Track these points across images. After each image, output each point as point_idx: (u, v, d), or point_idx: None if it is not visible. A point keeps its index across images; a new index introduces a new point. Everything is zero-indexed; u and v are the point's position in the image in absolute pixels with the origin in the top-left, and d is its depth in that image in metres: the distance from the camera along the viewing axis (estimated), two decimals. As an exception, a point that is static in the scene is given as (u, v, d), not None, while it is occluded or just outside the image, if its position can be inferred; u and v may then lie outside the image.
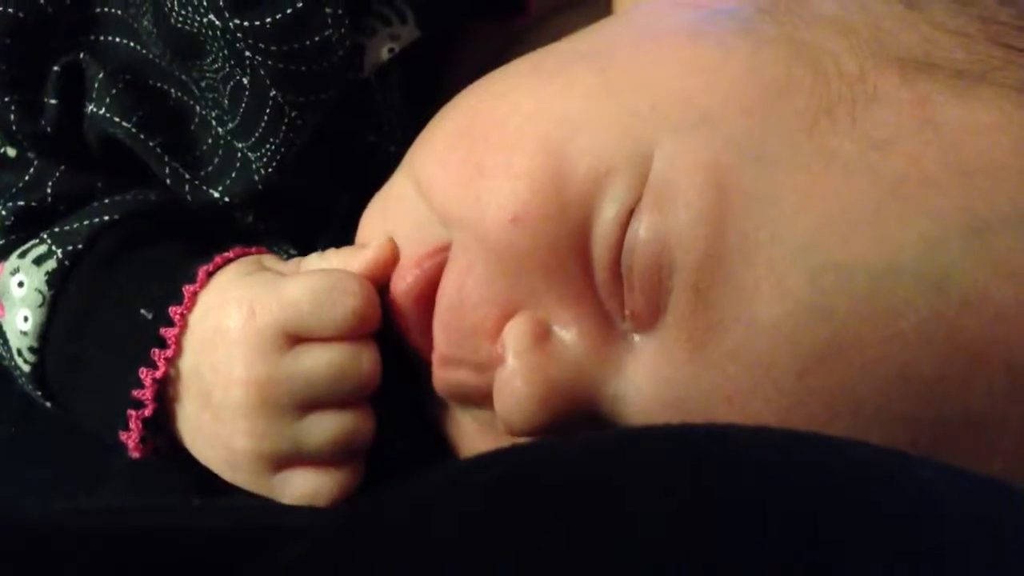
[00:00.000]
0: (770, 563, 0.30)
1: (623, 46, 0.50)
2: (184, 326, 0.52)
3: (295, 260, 0.55)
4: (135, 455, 0.53)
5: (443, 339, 0.49)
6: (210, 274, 0.53)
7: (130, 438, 0.52)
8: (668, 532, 0.32)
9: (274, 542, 0.37)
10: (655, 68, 0.47)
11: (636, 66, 0.48)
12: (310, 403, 0.50)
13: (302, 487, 0.51)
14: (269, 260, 0.55)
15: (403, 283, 0.50)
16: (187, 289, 0.52)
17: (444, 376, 0.49)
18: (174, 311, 0.52)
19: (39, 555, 0.35)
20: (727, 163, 0.43)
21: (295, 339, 0.50)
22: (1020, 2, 0.45)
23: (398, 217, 0.52)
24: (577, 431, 0.45)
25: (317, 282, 0.50)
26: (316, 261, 0.54)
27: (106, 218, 0.55)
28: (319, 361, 0.50)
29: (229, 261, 0.54)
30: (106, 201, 0.56)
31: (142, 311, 0.52)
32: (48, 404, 0.56)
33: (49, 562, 0.35)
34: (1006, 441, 0.41)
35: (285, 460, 0.51)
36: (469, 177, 0.48)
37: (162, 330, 0.52)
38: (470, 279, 0.48)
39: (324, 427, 0.50)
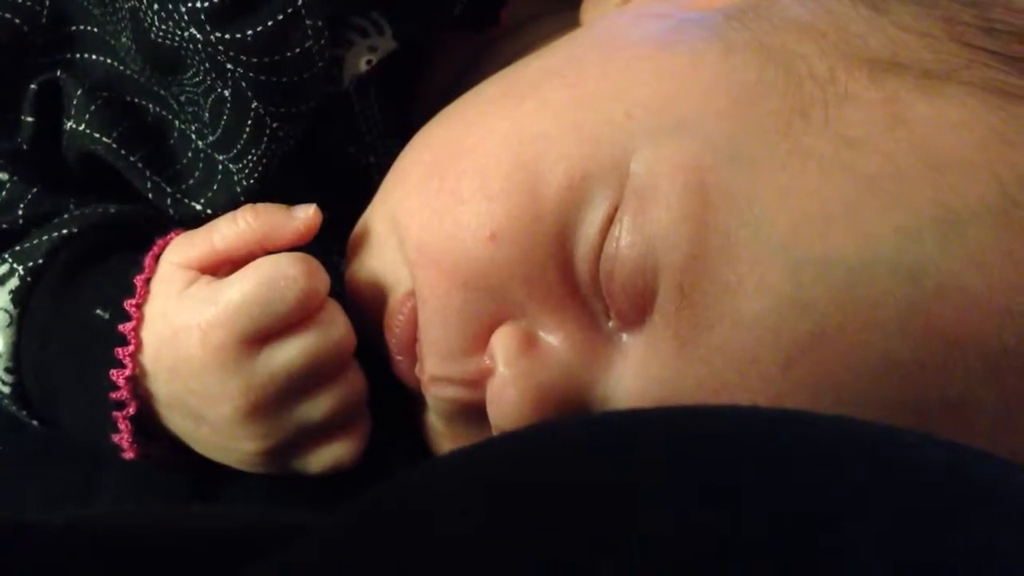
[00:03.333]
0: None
1: (592, 58, 0.51)
2: (141, 318, 0.51)
3: (207, 230, 0.53)
4: (130, 456, 0.53)
5: (432, 363, 0.49)
6: (156, 258, 0.53)
7: (122, 439, 0.52)
8: (671, 525, 0.33)
9: (279, 541, 0.37)
10: (626, 77, 0.48)
11: (607, 76, 0.49)
12: (298, 391, 0.51)
13: (324, 461, 0.52)
14: (180, 250, 0.53)
15: (394, 328, 0.51)
16: (138, 280, 0.52)
17: (436, 393, 0.50)
18: (128, 304, 0.51)
19: (47, 556, 0.36)
20: (706, 165, 0.44)
21: (257, 340, 0.50)
22: (981, 3, 0.47)
23: (378, 257, 0.52)
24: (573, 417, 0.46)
25: (255, 281, 0.49)
26: (227, 226, 0.52)
27: (65, 232, 0.55)
28: (291, 353, 0.50)
29: (170, 242, 0.54)
30: (65, 216, 0.56)
31: (98, 311, 0.52)
32: (35, 423, 0.56)
33: (57, 563, 0.35)
34: (983, 423, 0.43)
35: (296, 443, 0.52)
36: (446, 206, 0.49)
37: (120, 326, 0.51)
38: (446, 310, 0.48)
39: (320, 406, 0.51)
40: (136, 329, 0.51)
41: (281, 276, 0.49)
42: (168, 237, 0.54)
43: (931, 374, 0.42)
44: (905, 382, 0.42)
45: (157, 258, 0.53)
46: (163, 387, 0.52)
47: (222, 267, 0.52)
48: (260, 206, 0.53)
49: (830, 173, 0.43)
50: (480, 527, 0.34)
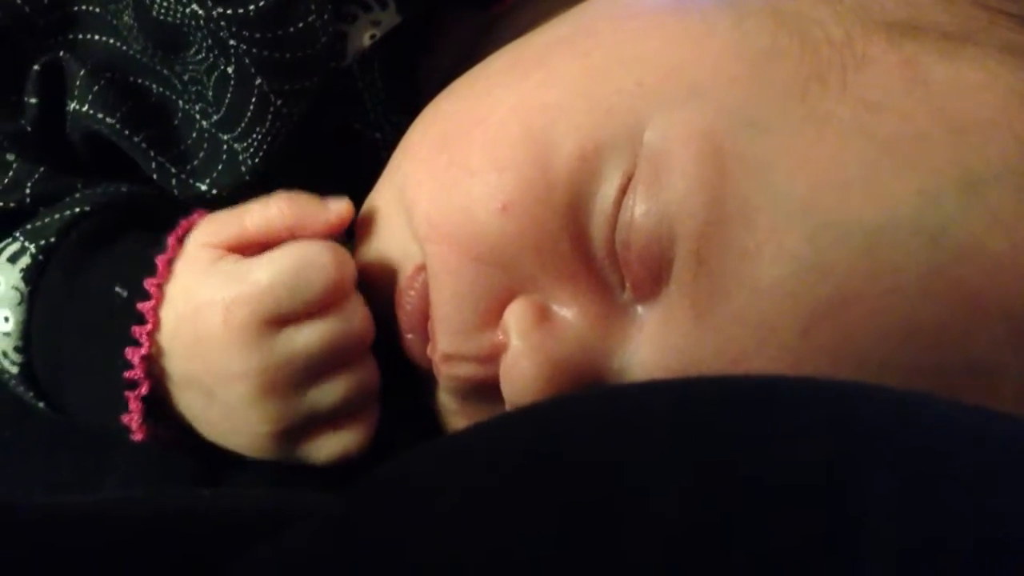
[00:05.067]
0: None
1: (603, 27, 0.50)
2: (161, 298, 0.51)
3: (238, 213, 0.53)
4: (138, 437, 0.52)
5: (445, 341, 0.49)
6: (180, 239, 0.52)
7: (132, 419, 0.51)
8: (683, 507, 0.32)
9: (286, 522, 0.37)
10: (638, 45, 0.48)
11: (618, 45, 0.48)
12: (313, 375, 0.50)
13: (331, 449, 0.52)
14: (209, 231, 0.52)
15: (405, 306, 0.51)
16: (160, 259, 0.51)
17: (449, 372, 0.49)
18: (149, 283, 0.51)
19: (52, 537, 0.35)
20: (721, 131, 0.44)
21: (279, 322, 0.49)
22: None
23: (387, 234, 0.52)
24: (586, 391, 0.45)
25: (285, 264, 0.49)
26: (259, 211, 0.52)
27: (77, 210, 0.55)
28: (311, 337, 0.49)
29: (194, 224, 0.53)
30: (76, 195, 0.56)
31: (117, 289, 0.52)
32: (41, 405, 0.56)
33: (62, 545, 0.35)
34: (1007, 388, 0.42)
35: (305, 430, 0.51)
36: (456, 178, 0.48)
37: (139, 305, 0.51)
38: (458, 285, 0.48)
39: (333, 391, 0.50)
40: (155, 308, 0.51)
41: (311, 263, 0.49)
42: (192, 218, 0.54)
43: (954, 338, 0.42)
44: (928, 346, 0.42)
45: (180, 239, 0.53)
46: (179, 365, 0.51)
47: (249, 249, 0.52)
48: (295, 195, 0.52)
49: (849, 137, 0.43)
50: (487, 505, 0.34)
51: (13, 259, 0.54)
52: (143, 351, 0.50)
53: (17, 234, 0.55)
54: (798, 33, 0.46)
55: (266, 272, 0.49)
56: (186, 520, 0.38)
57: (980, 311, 0.42)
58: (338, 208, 0.52)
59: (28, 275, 0.53)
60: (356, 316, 0.50)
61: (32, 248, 0.54)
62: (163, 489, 0.53)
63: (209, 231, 0.52)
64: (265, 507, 0.41)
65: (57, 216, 0.54)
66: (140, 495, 0.45)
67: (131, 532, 0.36)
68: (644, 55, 0.47)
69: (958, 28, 0.45)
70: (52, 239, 0.54)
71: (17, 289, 0.53)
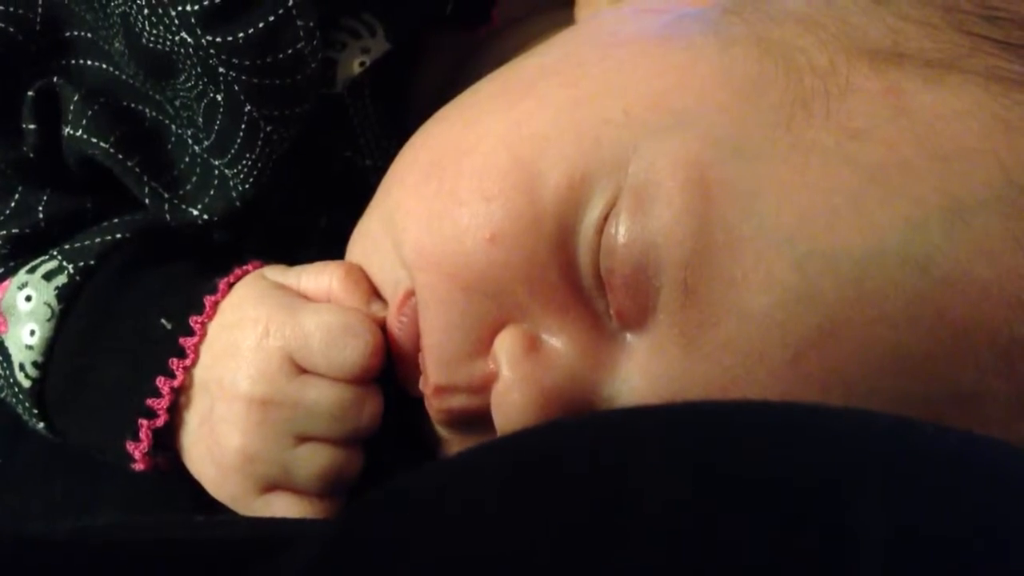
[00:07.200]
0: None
1: (590, 56, 0.50)
2: (203, 335, 0.53)
3: (297, 270, 0.55)
4: (139, 467, 0.53)
5: (435, 371, 0.49)
6: (230, 285, 0.54)
7: (137, 448, 0.52)
8: (679, 518, 0.32)
9: (281, 548, 0.37)
10: (624, 74, 0.48)
11: (605, 74, 0.48)
12: (306, 434, 0.51)
13: (283, 513, 0.52)
14: (272, 271, 0.55)
15: (395, 332, 0.51)
16: (208, 300, 0.53)
17: (440, 405, 0.49)
18: (195, 320, 0.53)
19: (52, 568, 0.36)
20: (707, 160, 0.44)
21: (302, 369, 0.51)
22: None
23: (377, 262, 0.53)
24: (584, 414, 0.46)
25: (332, 320, 0.51)
26: (314, 274, 0.54)
27: (118, 236, 0.56)
28: (323, 396, 0.50)
29: (247, 274, 0.55)
30: (115, 220, 0.57)
31: (162, 321, 0.53)
32: (40, 424, 0.56)
33: (62, 574, 0.35)
34: (995, 414, 0.43)
35: (271, 484, 0.52)
36: (445, 207, 0.48)
37: (181, 339, 0.52)
38: (448, 314, 0.48)
39: (315, 460, 0.51)
40: (197, 345, 0.52)
41: (355, 332, 0.50)
42: (245, 267, 0.56)
43: (942, 366, 0.42)
44: (916, 374, 0.42)
45: (230, 285, 0.54)
46: (200, 372, 0.52)
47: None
48: (356, 273, 0.53)
49: (834, 165, 0.43)
50: (484, 516, 0.34)
51: (49, 276, 0.55)
52: (175, 383, 0.52)
53: (54, 252, 0.56)
54: (783, 61, 0.46)
55: (312, 318, 0.51)
56: (182, 546, 0.38)
57: (966, 338, 0.42)
58: (378, 310, 0.52)
59: (63, 294, 0.55)
60: (368, 405, 0.51)
61: (70, 268, 0.55)
62: (158, 515, 0.53)
63: (272, 271, 0.55)
64: (261, 532, 0.41)
65: (98, 239, 0.56)
66: (135, 522, 0.45)
67: (126, 560, 0.37)
68: (630, 84, 0.47)
69: (942, 55, 0.45)
70: (91, 261, 0.55)
71: (49, 305, 0.54)
